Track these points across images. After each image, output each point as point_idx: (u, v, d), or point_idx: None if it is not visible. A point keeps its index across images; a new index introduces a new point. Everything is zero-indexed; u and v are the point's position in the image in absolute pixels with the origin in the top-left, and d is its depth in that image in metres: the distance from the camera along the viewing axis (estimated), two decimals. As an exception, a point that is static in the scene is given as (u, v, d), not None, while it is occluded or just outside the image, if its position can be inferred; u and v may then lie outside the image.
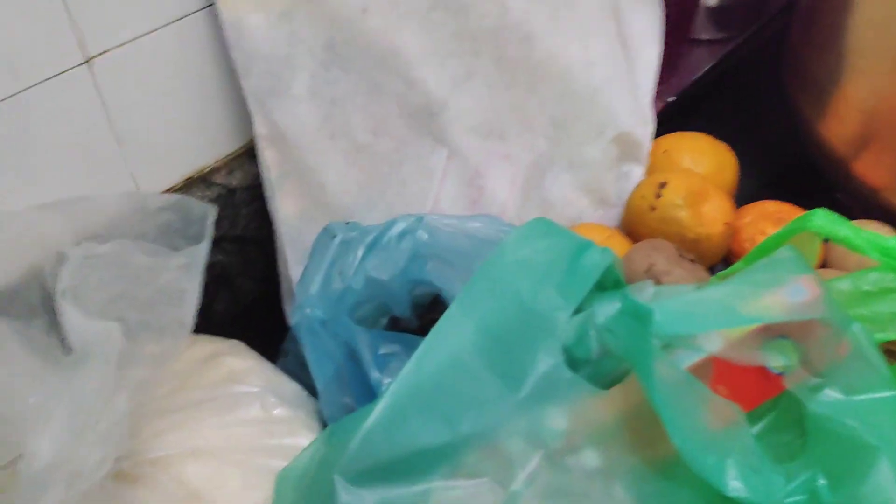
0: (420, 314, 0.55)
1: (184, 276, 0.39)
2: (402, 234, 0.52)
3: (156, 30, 0.49)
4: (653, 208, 0.58)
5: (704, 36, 0.82)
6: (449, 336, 0.40)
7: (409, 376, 0.40)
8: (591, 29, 0.59)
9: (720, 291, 0.40)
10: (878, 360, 0.40)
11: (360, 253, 0.52)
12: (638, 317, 0.37)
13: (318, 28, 0.51)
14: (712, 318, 0.39)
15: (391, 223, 0.52)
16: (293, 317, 0.52)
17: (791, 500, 0.38)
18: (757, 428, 0.43)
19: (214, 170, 0.58)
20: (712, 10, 0.81)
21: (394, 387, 0.39)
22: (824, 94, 0.62)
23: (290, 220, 0.58)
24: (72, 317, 0.36)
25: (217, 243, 0.59)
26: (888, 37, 0.58)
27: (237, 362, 0.52)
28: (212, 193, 0.58)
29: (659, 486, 0.40)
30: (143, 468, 0.44)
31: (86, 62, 0.47)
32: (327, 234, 0.53)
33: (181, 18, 0.50)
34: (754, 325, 0.40)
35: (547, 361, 0.39)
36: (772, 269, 0.41)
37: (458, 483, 0.38)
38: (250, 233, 0.63)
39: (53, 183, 0.47)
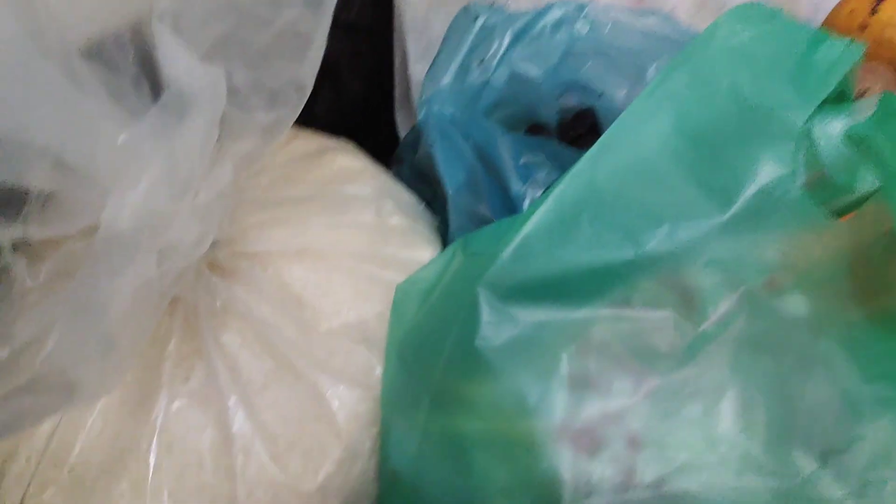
0: (561, 127, 0.46)
1: (310, 16, 0.30)
2: (559, 24, 0.43)
3: None
4: (864, 27, 0.47)
5: None
6: (637, 133, 0.31)
7: (581, 177, 0.31)
8: None
9: None
10: None
11: (505, 41, 0.42)
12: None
13: None
14: None
15: (546, 8, 0.43)
16: (419, 111, 0.43)
17: None
18: None
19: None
20: None
21: (561, 188, 0.31)
22: None
23: (417, 4, 0.48)
24: (170, 49, 0.28)
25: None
26: None
27: (349, 161, 0.44)
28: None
29: (882, 347, 0.31)
30: (240, 261, 0.37)
31: None
32: (468, 15, 0.43)
33: None
34: None
35: (772, 171, 0.29)
36: None
37: (633, 314, 0.30)
38: (364, 20, 0.53)
39: None
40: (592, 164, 0.31)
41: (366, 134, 0.51)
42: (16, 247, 0.31)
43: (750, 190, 0.29)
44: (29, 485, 0.34)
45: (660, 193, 0.30)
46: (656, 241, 0.30)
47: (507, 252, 0.30)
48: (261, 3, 0.30)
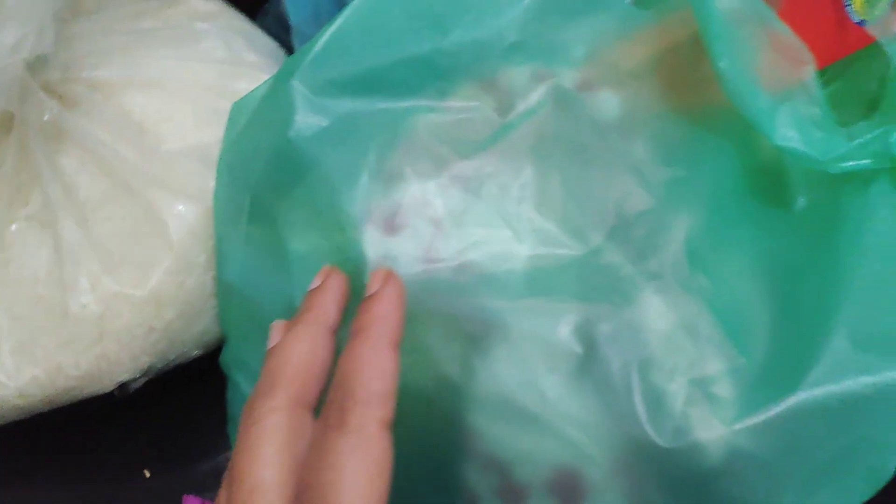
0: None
1: None
2: None
3: None
4: None
5: None
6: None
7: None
8: None
9: None
10: None
11: None
12: None
13: None
14: None
15: None
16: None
17: (853, 161, 0.30)
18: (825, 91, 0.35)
19: None
20: None
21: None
22: None
23: None
24: None
25: None
26: None
27: (202, 4, 0.43)
28: None
29: (690, 139, 0.32)
30: (80, 90, 0.37)
31: None
32: None
33: None
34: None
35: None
36: None
37: (444, 105, 0.31)
38: None
39: None
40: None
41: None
42: None
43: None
44: None
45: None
46: (463, 28, 0.30)
47: (319, 45, 0.31)
48: None
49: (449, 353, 0.28)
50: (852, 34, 0.34)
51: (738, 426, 0.25)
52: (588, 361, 0.27)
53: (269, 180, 0.32)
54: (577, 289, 0.28)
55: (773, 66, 0.31)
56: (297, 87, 0.30)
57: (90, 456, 0.38)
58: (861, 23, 0.33)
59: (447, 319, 0.28)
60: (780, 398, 0.25)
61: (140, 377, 0.35)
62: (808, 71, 0.31)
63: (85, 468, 0.38)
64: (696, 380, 0.26)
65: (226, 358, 0.36)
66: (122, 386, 0.36)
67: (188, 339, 0.36)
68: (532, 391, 0.27)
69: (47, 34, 0.33)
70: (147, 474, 0.38)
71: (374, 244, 0.29)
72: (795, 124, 0.30)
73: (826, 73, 0.36)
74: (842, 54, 0.35)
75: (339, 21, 0.31)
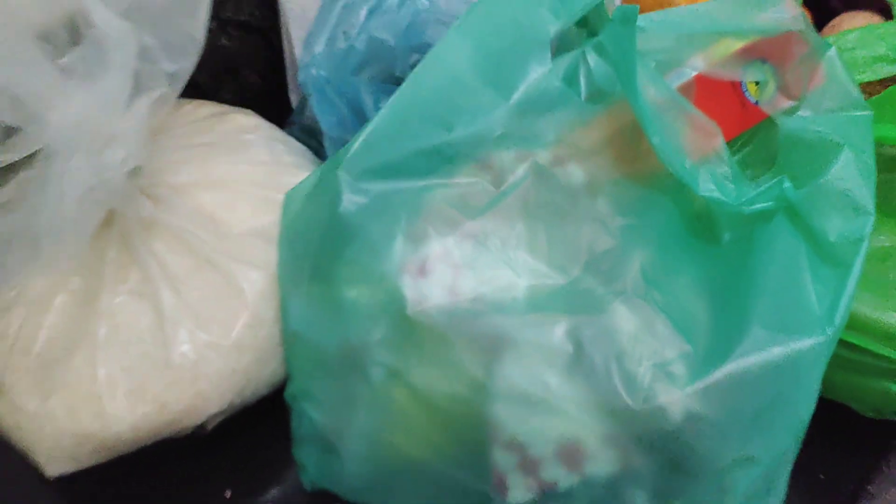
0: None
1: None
2: (408, 6, 0.54)
3: None
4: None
5: None
6: (447, 55, 0.43)
7: (408, 89, 0.42)
8: None
9: (709, 7, 0.42)
10: (852, 84, 0.42)
11: (362, 14, 0.54)
12: (626, 20, 0.39)
13: None
14: (698, 24, 0.41)
15: (394, -12, 0.54)
16: (299, 76, 0.54)
17: (759, 204, 0.41)
18: (734, 158, 0.46)
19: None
20: None
21: (394, 98, 0.42)
22: None
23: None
24: (93, 6, 0.38)
25: (223, 28, 0.61)
26: None
27: (246, 119, 0.54)
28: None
29: (639, 196, 0.43)
30: (163, 191, 0.47)
31: None
32: (331, -1, 0.55)
33: None
34: (737, 46, 0.43)
35: (538, 70, 0.41)
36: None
37: (454, 182, 0.41)
38: (255, 21, 0.65)
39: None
40: (416, 79, 0.42)
41: (264, 113, 0.62)
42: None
43: (524, 84, 0.41)
44: (5, 371, 0.43)
45: (465, 94, 0.42)
46: (463, 125, 0.41)
47: (357, 143, 0.41)
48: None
49: (474, 362, 0.38)
50: (751, 112, 0.45)
51: (688, 390, 0.35)
52: (577, 357, 0.37)
53: (324, 247, 0.42)
54: (564, 306, 0.38)
55: (692, 140, 0.42)
56: (342, 174, 0.41)
57: (179, 482, 0.47)
58: (756, 103, 0.45)
59: (470, 337, 0.38)
60: (716, 369, 0.35)
61: (223, 412, 0.44)
62: (719, 142, 0.42)
63: (174, 493, 0.46)
64: (657, 364, 0.36)
65: (290, 391, 0.45)
66: (202, 425, 0.45)
67: (262, 379, 0.45)
68: (538, 383, 0.37)
69: (143, 151, 0.44)
70: (228, 494, 0.46)
71: (410, 287, 0.39)
72: (713, 180, 0.40)
73: (736, 142, 0.47)
74: (746, 127, 0.46)
75: (371, 125, 0.42)
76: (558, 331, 0.37)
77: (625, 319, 0.37)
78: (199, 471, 0.47)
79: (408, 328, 0.39)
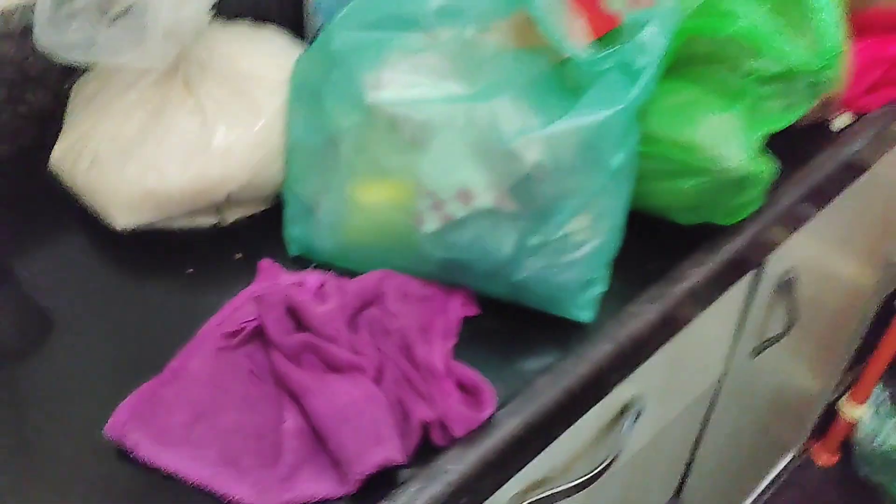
0: None
1: None
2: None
3: None
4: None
5: None
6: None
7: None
8: None
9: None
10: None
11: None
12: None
13: None
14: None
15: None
16: None
17: (610, 62, 0.62)
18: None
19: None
20: None
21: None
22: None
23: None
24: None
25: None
26: None
27: (273, 29, 0.78)
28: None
29: (528, 54, 0.65)
30: (215, 52, 0.69)
31: None
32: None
33: None
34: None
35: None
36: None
37: (407, 36, 0.64)
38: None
39: None
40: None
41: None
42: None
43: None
44: (99, 149, 0.65)
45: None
46: (421, 5, 0.64)
47: (345, 10, 0.64)
48: None
49: (407, 134, 0.59)
50: (613, 16, 0.67)
51: (533, 142, 0.56)
52: (469, 128, 0.58)
53: (317, 72, 0.64)
54: (464, 101, 0.59)
55: (567, 25, 0.64)
56: (335, 27, 0.63)
57: (202, 254, 0.67)
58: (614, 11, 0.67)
59: (405, 117, 0.59)
60: (549, 129, 0.56)
61: (241, 191, 0.66)
62: (583, 27, 0.65)
63: (198, 258, 0.67)
64: (518, 129, 0.57)
65: (286, 182, 0.66)
66: (222, 216, 0.67)
67: (269, 172, 0.66)
68: (446, 148, 0.58)
69: (205, 16, 0.66)
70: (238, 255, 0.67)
71: (370, 91, 0.61)
72: (575, 48, 0.62)
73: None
74: (610, 27, 0.68)
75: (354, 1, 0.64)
76: (459, 112, 0.58)
77: (500, 107, 0.59)
78: (217, 247, 0.68)
79: (367, 114, 0.60)
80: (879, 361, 1.56)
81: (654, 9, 0.65)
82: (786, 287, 0.95)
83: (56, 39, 0.59)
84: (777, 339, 1.00)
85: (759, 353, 1.02)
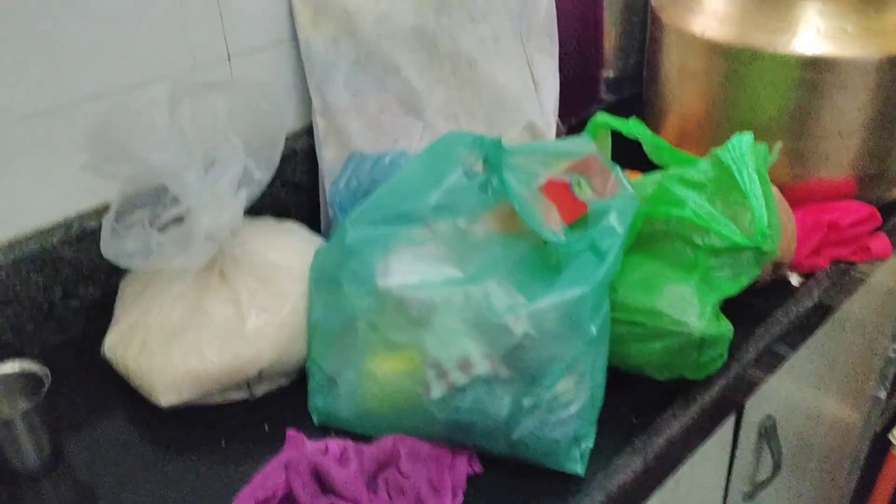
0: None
1: (278, 139, 0.79)
2: (390, 161, 0.92)
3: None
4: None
5: (605, 97, 1.24)
6: (407, 169, 0.79)
7: (386, 185, 0.78)
8: (512, 64, 1.02)
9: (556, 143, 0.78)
10: (627, 184, 0.77)
11: (367, 169, 0.92)
12: (500, 150, 0.75)
13: (351, 46, 0.93)
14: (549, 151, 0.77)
15: (384, 154, 0.93)
16: (329, 198, 0.90)
17: (579, 245, 0.74)
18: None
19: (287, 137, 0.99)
20: (609, 81, 1.24)
21: (378, 189, 0.78)
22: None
23: (329, 162, 0.98)
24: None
25: (282, 185, 0.99)
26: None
27: (293, 223, 0.90)
28: (285, 149, 0.99)
29: (512, 239, 0.76)
30: (247, 247, 0.81)
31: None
32: (351, 158, 0.93)
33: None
34: (567, 162, 0.78)
35: (454, 174, 0.77)
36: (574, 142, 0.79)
37: (410, 231, 0.75)
38: (302, 181, 1.03)
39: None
40: (391, 180, 0.78)
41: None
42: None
43: (445, 182, 0.76)
44: (147, 338, 0.75)
45: (415, 186, 0.77)
46: (412, 202, 0.76)
47: (356, 211, 0.76)
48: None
49: (415, 314, 0.69)
50: (579, 204, 0.80)
51: (522, 317, 0.66)
52: (467, 306, 0.68)
53: (334, 264, 0.75)
54: (461, 284, 0.70)
55: (543, 213, 0.76)
56: (348, 224, 0.75)
57: (235, 425, 0.76)
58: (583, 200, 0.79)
59: (412, 299, 0.70)
60: (536, 305, 0.66)
61: (270, 369, 0.75)
62: (558, 214, 0.77)
63: (233, 430, 0.75)
64: (508, 307, 0.67)
65: (309, 359, 0.76)
66: (252, 391, 0.76)
67: (294, 350, 0.76)
68: (447, 324, 0.68)
69: (239, 220, 0.79)
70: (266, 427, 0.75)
71: (380, 279, 0.72)
72: (552, 233, 0.74)
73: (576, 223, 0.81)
74: (579, 213, 0.80)
75: (364, 203, 0.76)
76: (456, 293, 0.69)
77: (492, 287, 0.69)
78: (248, 420, 0.76)
79: (379, 296, 0.71)
80: (879, 499, 1.59)
81: (616, 198, 0.78)
82: (768, 431, 1.03)
83: (119, 249, 0.71)
84: (767, 482, 1.06)
85: (752, 497, 1.07)
